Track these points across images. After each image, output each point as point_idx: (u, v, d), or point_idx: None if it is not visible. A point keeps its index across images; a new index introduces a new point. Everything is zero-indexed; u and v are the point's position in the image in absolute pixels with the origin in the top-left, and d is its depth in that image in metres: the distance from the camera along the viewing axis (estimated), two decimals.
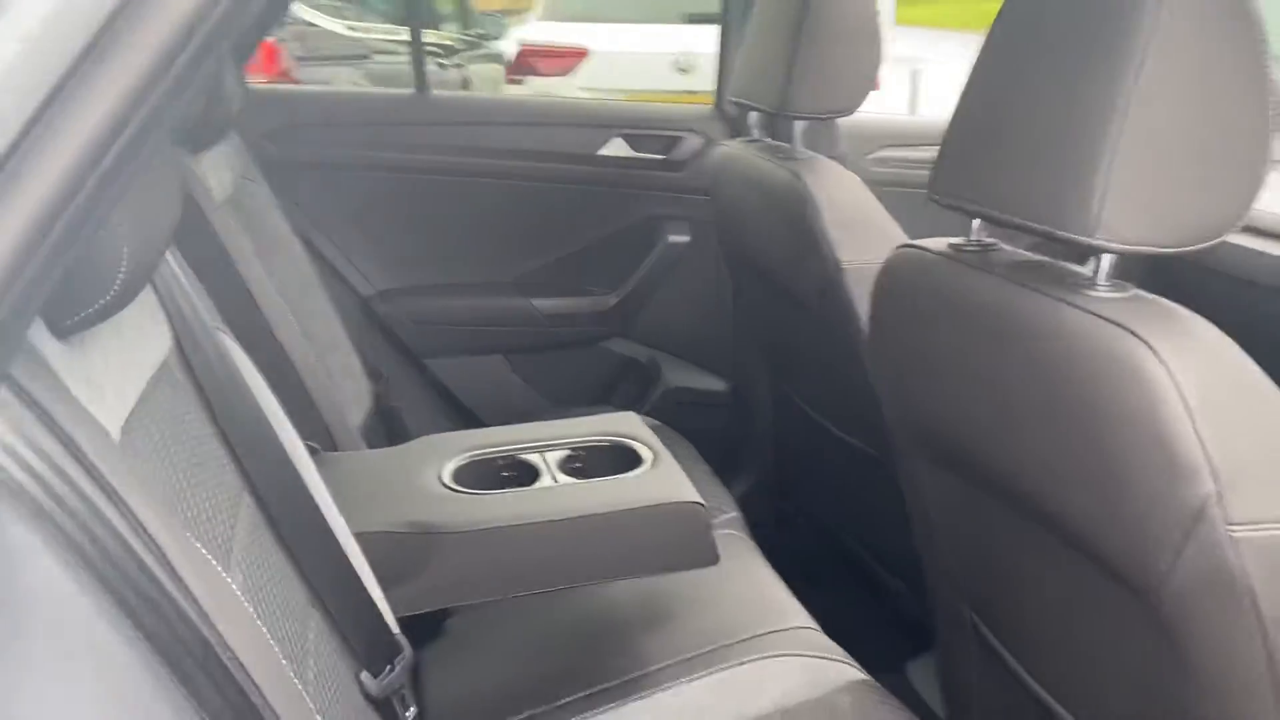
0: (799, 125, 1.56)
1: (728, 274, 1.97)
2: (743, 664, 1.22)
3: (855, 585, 1.83)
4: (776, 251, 1.60)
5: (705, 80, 4.90)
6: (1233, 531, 0.73)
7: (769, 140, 1.70)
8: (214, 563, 0.64)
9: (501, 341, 2.13)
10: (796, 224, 1.47)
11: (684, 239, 2.07)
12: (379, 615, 0.98)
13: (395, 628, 1.00)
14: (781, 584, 1.43)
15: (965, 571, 1.16)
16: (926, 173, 2.22)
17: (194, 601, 0.55)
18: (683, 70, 4.96)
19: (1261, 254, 1.34)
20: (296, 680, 0.68)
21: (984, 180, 0.90)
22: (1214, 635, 0.77)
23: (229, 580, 0.65)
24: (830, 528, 1.96)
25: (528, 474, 1.28)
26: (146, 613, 0.50)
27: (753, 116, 1.73)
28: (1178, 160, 0.78)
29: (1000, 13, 0.92)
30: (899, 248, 1.08)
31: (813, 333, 1.61)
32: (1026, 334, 0.87)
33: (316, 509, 0.92)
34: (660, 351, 2.14)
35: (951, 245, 1.01)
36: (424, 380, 2.12)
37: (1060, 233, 0.81)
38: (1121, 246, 0.79)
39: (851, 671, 1.23)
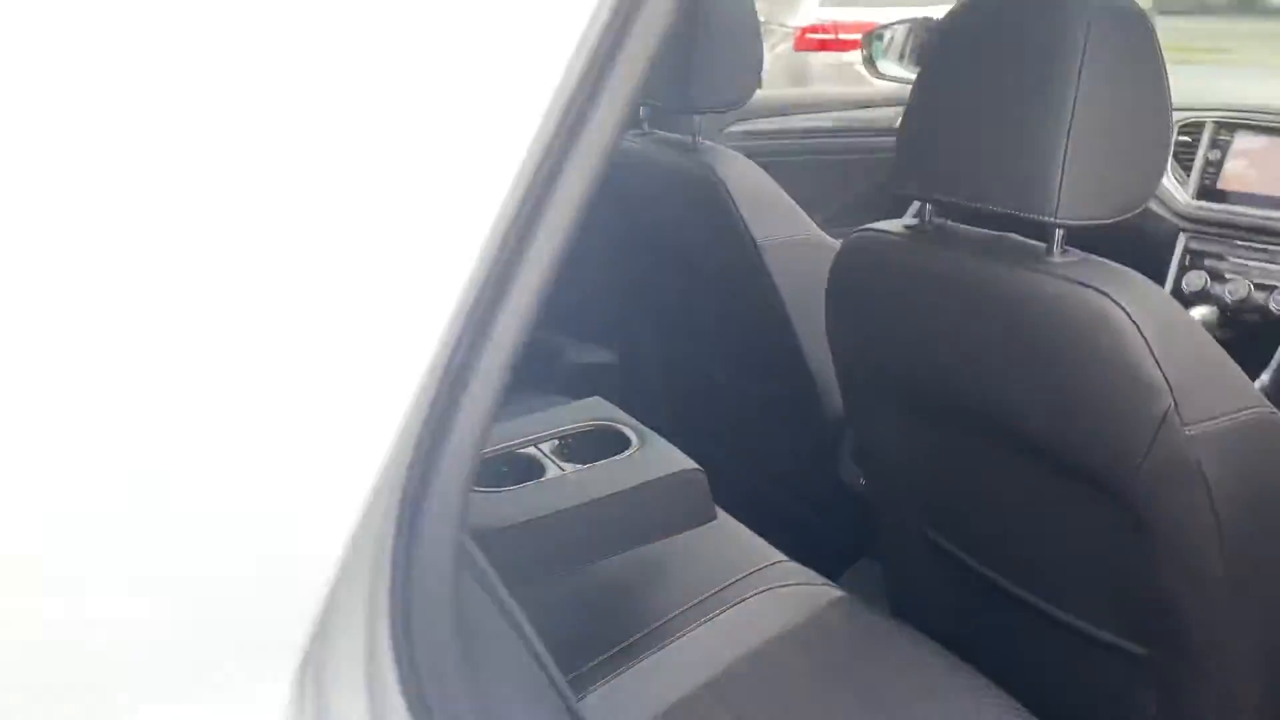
0: (698, 118, 1.72)
1: (613, 256, 2.11)
2: (741, 602, 1.39)
3: (764, 521, 2.05)
4: (690, 236, 1.76)
5: None
6: (1188, 430, 0.97)
7: (661, 132, 1.85)
8: None
9: None
10: (713, 210, 1.64)
11: None
12: None
13: None
14: (743, 526, 1.61)
15: (925, 492, 1.38)
16: (773, 143, 2.43)
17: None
18: None
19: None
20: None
21: (948, 173, 1.10)
22: (1174, 511, 1.02)
23: None
24: (730, 471, 2.16)
25: (529, 466, 1.38)
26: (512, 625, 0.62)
27: (643, 110, 1.87)
28: (1111, 153, 1.00)
29: (944, 33, 1.11)
30: (857, 231, 1.26)
31: (726, 303, 1.79)
32: (1000, 297, 1.08)
33: None
34: (559, 333, 2.26)
35: (907, 227, 1.21)
36: None
37: (1025, 214, 1.02)
38: (1075, 222, 1.01)
39: (833, 592, 1.43)
